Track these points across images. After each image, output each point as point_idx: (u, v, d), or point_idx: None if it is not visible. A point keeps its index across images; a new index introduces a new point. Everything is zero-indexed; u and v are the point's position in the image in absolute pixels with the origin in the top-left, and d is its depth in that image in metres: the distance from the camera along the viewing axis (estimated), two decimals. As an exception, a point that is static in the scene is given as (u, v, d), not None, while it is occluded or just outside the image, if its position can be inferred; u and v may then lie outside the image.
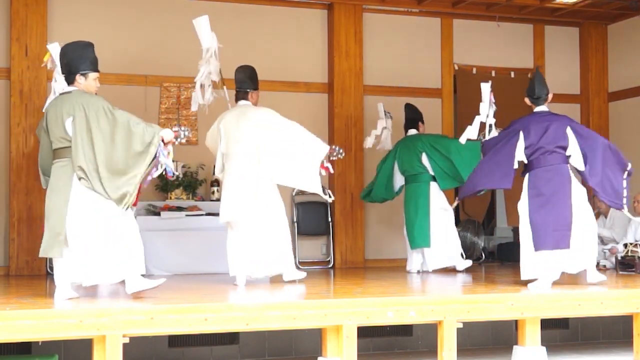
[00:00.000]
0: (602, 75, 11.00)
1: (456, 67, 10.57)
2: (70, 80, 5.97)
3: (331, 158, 7.16)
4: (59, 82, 6.39)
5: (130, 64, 9.14)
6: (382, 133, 9.27)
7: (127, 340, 5.15)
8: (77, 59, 5.94)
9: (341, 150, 7.21)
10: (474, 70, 10.64)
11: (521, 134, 6.89)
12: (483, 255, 10.84)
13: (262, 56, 9.52)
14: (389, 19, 10.36)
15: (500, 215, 10.93)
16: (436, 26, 10.55)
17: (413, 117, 9.15)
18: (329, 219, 9.91)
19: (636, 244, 8.44)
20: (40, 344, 6.04)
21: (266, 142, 7.12)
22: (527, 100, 7.15)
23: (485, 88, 7.35)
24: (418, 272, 8.74)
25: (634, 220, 9.06)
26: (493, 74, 10.66)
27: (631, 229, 9.00)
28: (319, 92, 10.05)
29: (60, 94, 6.04)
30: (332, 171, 7.24)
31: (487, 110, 7.32)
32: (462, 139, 7.40)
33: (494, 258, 11.04)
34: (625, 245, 8.57)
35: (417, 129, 9.08)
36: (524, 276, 6.86)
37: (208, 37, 7.40)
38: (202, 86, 7.50)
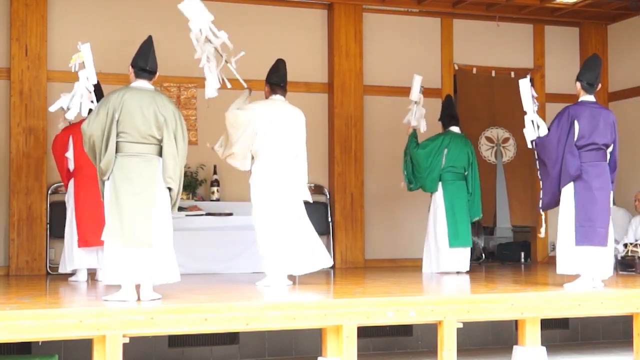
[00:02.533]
0: (602, 75, 10.85)
1: (456, 67, 10.57)
2: (150, 78, 6.02)
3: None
4: (81, 84, 6.28)
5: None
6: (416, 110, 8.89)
7: (127, 340, 5.15)
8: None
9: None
10: (474, 70, 10.63)
11: (576, 123, 6.68)
12: (483, 255, 10.85)
13: (262, 56, 9.50)
14: (389, 19, 10.36)
15: (500, 215, 10.93)
16: (436, 26, 10.55)
17: (455, 112, 9.06)
18: (329, 219, 9.90)
19: (636, 244, 8.44)
20: (40, 344, 6.04)
21: (302, 144, 7.27)
22: (578, 85, 6.87)
23: (524, 84, 6.92)
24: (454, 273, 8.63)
25: (634, 220, 9.09)
26: (493, 74, 10.66)
27: (631, 228, 9.02)
28: (319, 92, 10.04)
29: (136, 89, 5.92)
30: None
31: (531, 107, 6.91)
32: (528, 143, 6.96)
33: (494, 258, 11.06)
34: (625, 245, 8.57)
35: (458, 128, 9.00)
36: (560, 270, 6.76)
37: (197, 17, 6.95)
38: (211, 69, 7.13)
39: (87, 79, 6.38)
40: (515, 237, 11.62)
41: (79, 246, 7.62)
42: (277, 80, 7.32)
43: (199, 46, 6.98)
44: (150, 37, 6.19)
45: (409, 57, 10.36)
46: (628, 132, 10.68)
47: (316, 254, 7.11)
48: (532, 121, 6.88)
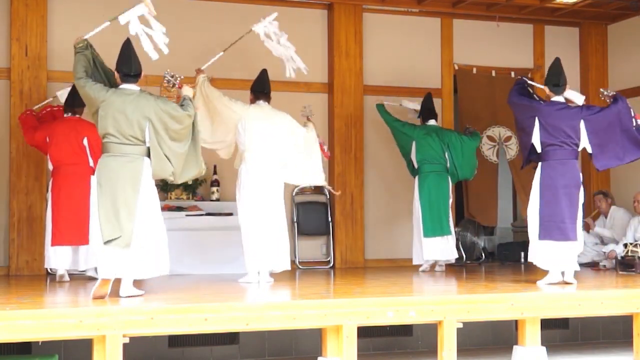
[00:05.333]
0: (602, 75, 10.98)
1: (456, 67, 10.57)
2: (135, 80, 6.24)
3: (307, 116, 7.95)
4: None
5: (130, 64, 9.13)
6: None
7: (127, 340, 5.16)
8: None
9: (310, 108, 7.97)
10: (474, 70, 10.63)
11: (537, 121, 7.01)
12: (483, 255, 10.84)
13: (262, 56, 9.50)
14: (389, 19, 10.36)
15: (501, 215, 10.93)
16: (436, 26, 10.55)
17: (433, 107, 9.32)
18: (329, 219, 9.90)
19: (636, 244, 8.44)
20: (40, 344, 6.04)
21: (290, 149, 7.57)
22: (546, 89, 7.17)
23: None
24: (432, 267, 8.85)
25: (632, 221, 9.08)
26: (493, 73, 10.65)
27: (631, 229, 9.01)
28: (319, 92, 10.04)
29: (122, 91, 6.13)
30: (328, 154, 8.04)
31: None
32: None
33: (494, 258, 11.05)
34: (625, 245, 8.57)
35: (436, 121, 9.31)
36: (531, 259, 7.13)
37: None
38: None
39: None
40: (515, 237, 11.60)
41: (52, 244, 7.69)
42: (260, 87, 7.73)
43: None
44: (128, 40, 6.33)
45: (409, 57, 10.36)
46: (628, 132, 10.69)
47: (281, 256, 7.39)
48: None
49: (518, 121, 7.27)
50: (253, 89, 7.73)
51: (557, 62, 7.23)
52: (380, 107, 9.35)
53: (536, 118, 7.01)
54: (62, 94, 8.12)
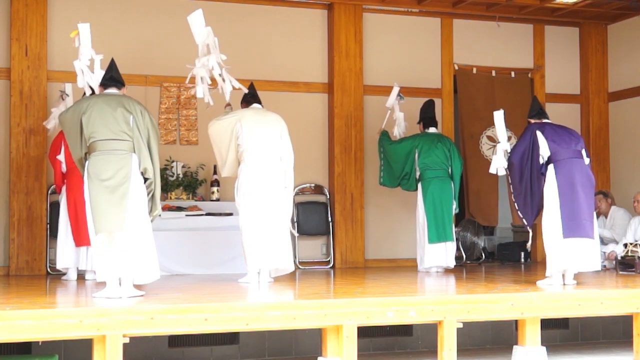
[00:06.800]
0: (602, 75, 10.99)
1: (456, 67, 10.57)
2: (118, 87, 6.33)
3: None
4: (82, 61, 6.62)
5: (130, 64, 9.09)
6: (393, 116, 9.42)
7: (127, 340, 5.16)
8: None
9: None
10: (474, 70, 10.63)
11: (538, 133, 7.08)
12: (483, 255, 10.85)
13: (262, 56, 9.52)
14: (389, 19, 10.36)
15: (501, 215, 10.94)
16: (436, 26, 10.55)
17: (434, 115, 9.39)
18: (329, 219, 9.90)
19: (636, 244, 8.44)
20: (40, 344, 6.04)
21: (285, 151, 7.61)
22: (532, 120, 7.34)
23: (498, 116, 7.39)
24: (437, 271, 8.82)
25: (633, 221, 9.09)
26: (493, 73, 10.66)
27: (631, 229, 9.01)
28: (319, 92, 10.04)
29: (103, 94, 6.26)
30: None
31: (504, 137, 7.38)
32: (492, 169, 7.46)
33: (494, 258, 11.05)
34: (625, 245, 8.57)
35: (437, 129, 9.37)
36: (550, 272, 6.96)
37: (203, 32, 7.48)
38: (202, 79, 7.61)
39: (81, 57, 6.65)
40: (515, 237, 11.61)
41: (77, 245, 7.76)
42: (253, 93, 7.86)
43: (200, 56, 7.53)
44: (112, 59, 6.43)
45: (409, 57, 10.36)
46: (628, 132, 10.70)
47: (284, 258, 7.41)
48: (505, 151, 7.36)
49: (522, 165, 7.16)
50: (245, 98, 7.86)
51: (535, 99, 7.70)
52: (385, 137, 9.30)
53: (537, 132, 7.09)
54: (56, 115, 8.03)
